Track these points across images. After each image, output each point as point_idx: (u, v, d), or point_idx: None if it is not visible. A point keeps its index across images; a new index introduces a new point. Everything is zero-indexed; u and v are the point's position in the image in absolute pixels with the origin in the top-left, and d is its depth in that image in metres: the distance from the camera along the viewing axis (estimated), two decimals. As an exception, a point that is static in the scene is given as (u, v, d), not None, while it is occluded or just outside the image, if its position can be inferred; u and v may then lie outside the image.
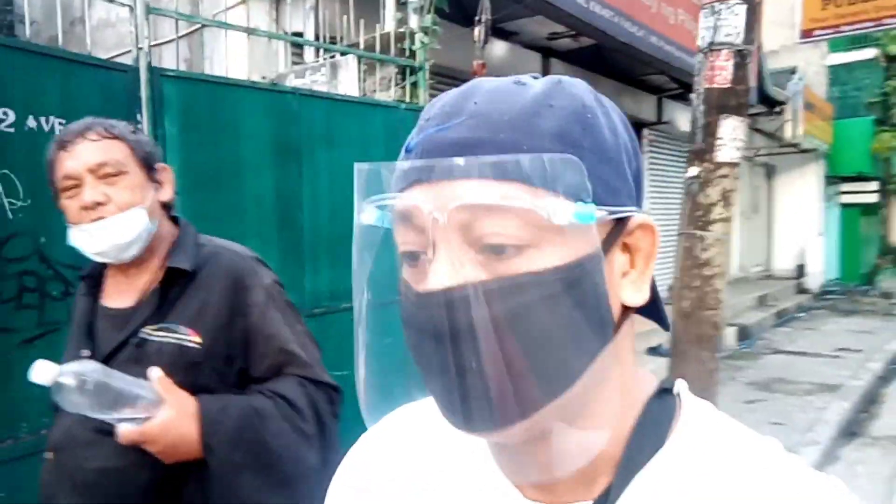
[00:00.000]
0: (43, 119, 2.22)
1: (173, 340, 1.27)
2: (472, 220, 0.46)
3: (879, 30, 9.68)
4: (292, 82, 4.01)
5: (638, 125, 8.81)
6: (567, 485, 0.54)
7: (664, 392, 0.56)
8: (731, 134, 3.21)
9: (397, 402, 0.61)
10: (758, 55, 8.17)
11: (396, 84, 3.73)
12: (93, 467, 1.22)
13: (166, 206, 1.38)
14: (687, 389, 0.57)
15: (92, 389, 1.10)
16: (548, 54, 6.99)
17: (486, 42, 4.12)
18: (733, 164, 3.25)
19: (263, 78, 4.19)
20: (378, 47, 3.73)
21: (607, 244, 0.50)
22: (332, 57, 3.86)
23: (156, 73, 2.54)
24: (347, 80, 3.90)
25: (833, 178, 14.14)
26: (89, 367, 1.12)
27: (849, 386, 6.48)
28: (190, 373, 1.24)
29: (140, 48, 2.51)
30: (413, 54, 3.75)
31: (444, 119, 0.49)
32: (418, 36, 3.67)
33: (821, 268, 13.54)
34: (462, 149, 0.47)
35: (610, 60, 7.25)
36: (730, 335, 8.32)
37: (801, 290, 12.92)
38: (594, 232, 0.48)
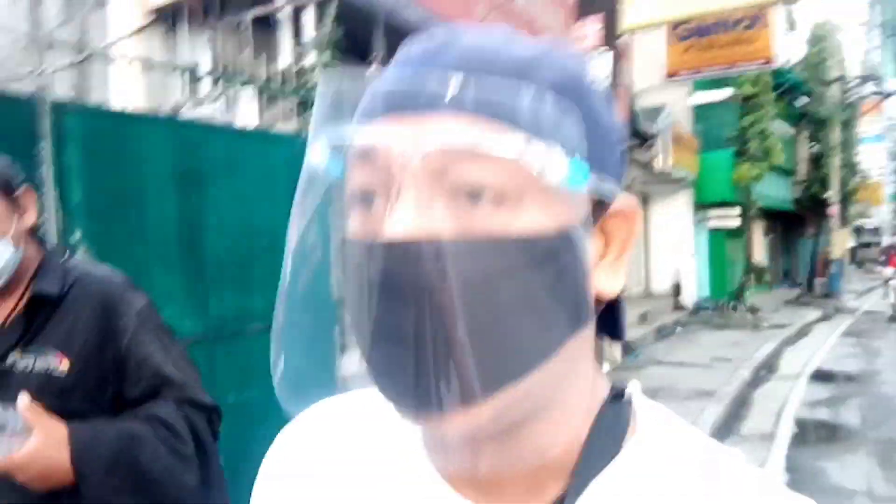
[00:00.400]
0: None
1: (40, 366, 1.24)
2: (452, 163, 0.40)
3: (732, 72, 10.82)
4: (190, 112, 4.08)
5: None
6: (514, 491, 0.48)
7: (618, 396, 0.52)
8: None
9: (317, 381, 0.50)
10: (628, 94, 8.92)
11: (298, 115, 3.89)
12: None
13: (31, 230, 1.34)
14: (640, 392, 0.53)
15: None
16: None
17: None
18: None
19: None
20: (280, 80, 3.89)
21: (590, 221, 0.45)
22: (230, 89, 3.97)
23: (56, 106, 2.58)
24: (247, 112, 4.02)
25: (701, 205, 15.38)
26: None
27: (722, 391, 7.12)
28: (60, 399, 1.21)
29: (38, 74, 2.56)
30: (312, 87, 3.94)
31: (435, 52, 0.44)
32: (318, 70, 3.86)
33: (694, 286, 14.65)
34: (451, 86, 0.40)
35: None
36: (615, 349, 8.88)
37: (678, 307, 13.91)
38: (584, 198, 0.43)
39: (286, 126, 3.91)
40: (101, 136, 2.74)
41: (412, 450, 0.51)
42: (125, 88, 4.36)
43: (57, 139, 2.56)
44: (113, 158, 2.78)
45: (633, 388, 0.52)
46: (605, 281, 0.47)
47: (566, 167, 0.41)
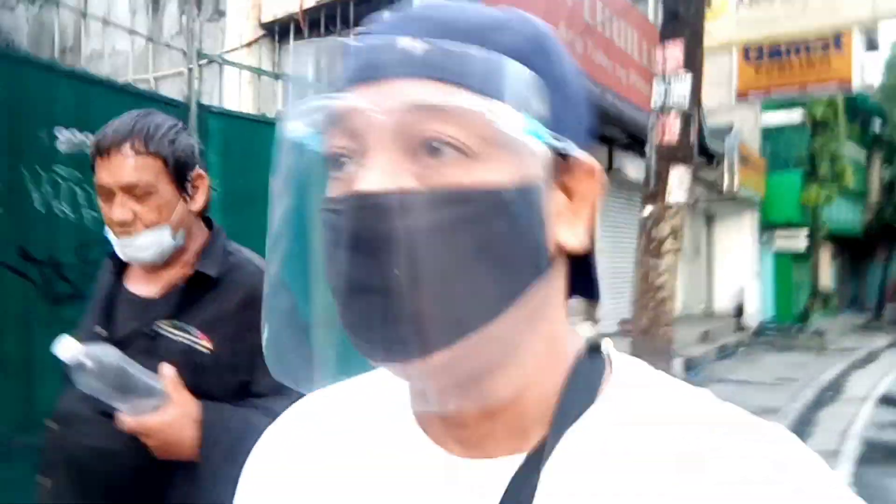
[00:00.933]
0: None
1: (185, 340, 1.29)
2: (414, 120, 0.43)
3: (804, 95, 10.78)
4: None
5: (592, 172, 9.52)
6: (494, 441, 0.51)
7: (594, 349, 0.54)
8: (679, 180, 3.83)
9: (298, 350, 0.52)
10: (698, 113, 9.03)
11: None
12: (87, 445, 1.25)
13: (199, 212, 1.39)
14: (612, 346, 0.56)
15: (107, 374, 1.11)
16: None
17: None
18: (681, 205, 3.86)
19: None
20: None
21: (548, 176, 0.47)
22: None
23: (203, 109, 2.99)
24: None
25: (767, 226, 15.22)
26: (109, 352, 1.14)
27: (787, 409, 7.15)
28: (195, 375, 1.25)
29: (194, 89, 2.96)
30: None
31: (401, 22, 0.47)
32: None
33: (757, 307, 14.47)
34: (411, 52, 0.43)
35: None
36: (677, 365, 8.95)
37: (740, 328, 13.78)
38: (540, 154, 0.46)
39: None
40: (235, 136, 3.13)
41: (401, 416, 0.54)
42: (236, 95, 4.83)
43: (202, 139, 2.96)
44: (245, 158, 3.17)
45: (608, 344, 0.55)
46: (566, 233, 0.48)
47: (521, 123, 0.43)
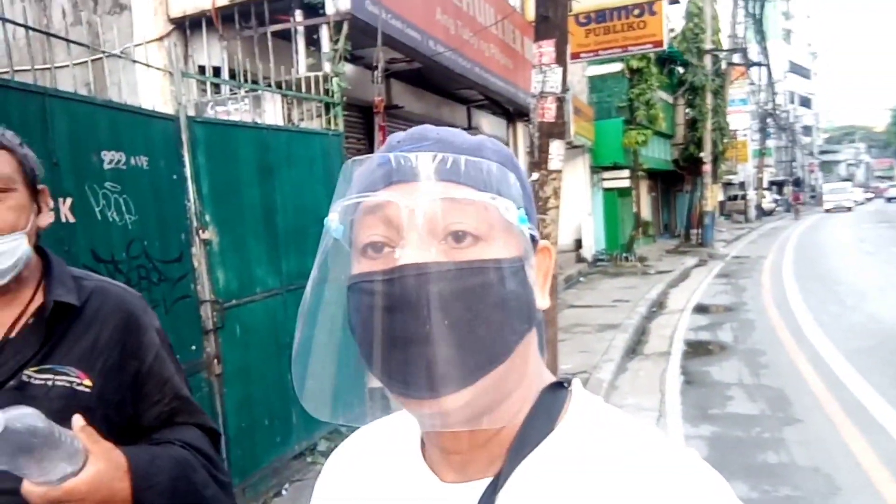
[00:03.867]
0: (133, 158, 3.15)
1: (62, 383, 1.12)
2: (440, 212, 0.56)
3: (625, 55, 12.42)
4: (213, 110, 4.96)
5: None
6: (478, 465, 0.62)
7: (557, 385, 0.65)
8: (557, 151, 4.88)
9: (332, 387, 0.63)
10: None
11: (319, 116, 4.89)
12: None
13: (38, 234, 1.20)
14: (580, 385, 0.67)
15: (29, 442, 0.90)
16: (387, 75, 8.35)
17: (380, 82, 5.40)
18: (559, 171, 4.93)
19: (181, 105, 5.08)
20: (303, 87, 4.85)
21: (529, 253, 0.60)
22: (253, 92, 4.89)
23: (191, 120, 3.53)
24: (272, 112, 4.96)
25: (596, 168, 17.15)
26: (29, 413, 0.91)
27: (626, 323, 8.77)
28: (79, 415, 1.05)
29: (180, 104, 3.48)
30: (327, 92, 4.93)
31: (415, 141, 0.61)
32: (335, 79, 4.86)
33: (592, 241, 16.47)
34: (434, 162, 0.57)
35: (431, 79, 8.78)
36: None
37: (580, 260, 15.71)
38: (527, 236, 0.60)
39: (311, 125, 4.90)
40: (216, 140, 3.70)
41: (412, 450, 0.68)
42: (147, 89, 5.16)
43: (192, 145, 3.51)
44: (224, 158, 3.75)
45: (574, 383, 0.67)
46: (539, 298, 0.62)
47: (516, 213, 0.58)
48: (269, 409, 3.93)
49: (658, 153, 20.52)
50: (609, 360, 6.94)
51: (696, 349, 7.83)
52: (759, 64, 28.56)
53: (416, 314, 0.53)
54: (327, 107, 4.89)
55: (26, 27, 2.94)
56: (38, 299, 1.17)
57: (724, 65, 23.76)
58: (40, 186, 1.20)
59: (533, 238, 0.62)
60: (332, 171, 4.47)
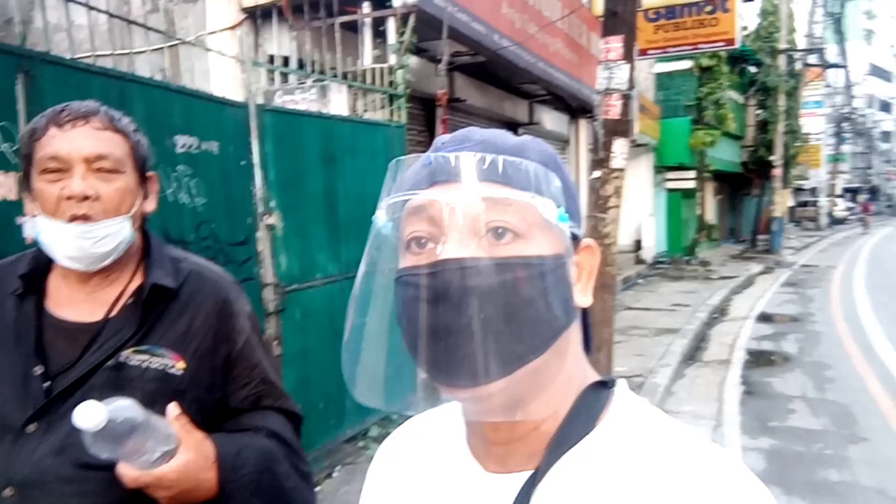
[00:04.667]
0: (205, 143, 3.25)
1: (156, 366, 1.14)
2: (481, 210, 0.58)
3: (695, 53, 12.08)
4: (281, 98, 5.06)
5: (514, 125, 10.44)
6: (518, 458, 0.63)
7: (601, 384, 0.66)
8: (621, 149, 4.80)
9: (381, 376, 0.65)
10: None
11: (382, 107, 4.94)
12: None
13: (144, 218, 1.23)
14: (625, 386, 0.68)
15: (129, 433, 0.94)
16: (451, 68, 8.36)
17: (444, 75, 5.42)
18: (622, 169, 4.85)
19: (251, 93, 5.20)
20: (368, 78, 4.91)
21: (569, 251, 0.62)
22: (320, 82, 4.97)
23: (260, 108, 3.61)
24: (337, 102, 5.04)
25: (660, 168, 16.79)
26: (128, 405, 0.95)
27: (685, 329, 8.56)
28: (174, 403, 1.09)
29: (250, 92, 3.57)
30: (391, 84, 4.98)
31: (459, 142, 0.63)
32: (400, 71, 4.90)
33: (653, 242, 16.14)
34: (476, 162, 0.59)
35: (494, 73, 8.74)
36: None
37: (639, 261, 15.42)
38: (567, 235, 0.61)
39: (375, 116, 4.95)
40: (284, 129, 3.78)
41: (458, 440, 0.70)
42: (218, 77, 5.30)
43: (261, 132, 3.60)
44: (291, 146, 3.83)
45: (619, 383, 0.67)
46: (580, 297, 0.64)
47: (556, 213, 0.59)
48: (325, 393, 4.01)
49: (726, 155, 19.90)
50: (666, 364, 6.79)
51: (759, 359, 7.58)
52: (836, 65, 27.37)
53: (455, 306, 0.56)
54: (391, 98, 4.93)
55: (108, 14, 3.06)
56: (138, 280, 1.20)
57: (798, 65, 22.87)
58: (149, 173, 1.23)
59: (576, 236, 0.64)
60: (394, 162, 4.50)
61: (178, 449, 1.03)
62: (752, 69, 21.66)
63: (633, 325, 8.87)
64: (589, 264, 0.67)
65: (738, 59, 19.75)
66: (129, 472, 1.00)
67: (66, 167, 1.10)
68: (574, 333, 0.64)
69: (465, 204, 0.58)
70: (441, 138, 0.66)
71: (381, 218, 0.63)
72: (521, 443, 0.63)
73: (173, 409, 1.07)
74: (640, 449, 0.60)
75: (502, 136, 0.65)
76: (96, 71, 2.72)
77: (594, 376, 0.67)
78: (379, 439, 4.26)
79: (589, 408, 0.63)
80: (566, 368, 0.63)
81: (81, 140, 1.10)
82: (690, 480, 0.56)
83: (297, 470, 1.24)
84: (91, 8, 2.94)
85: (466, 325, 0.55)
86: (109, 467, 1.00)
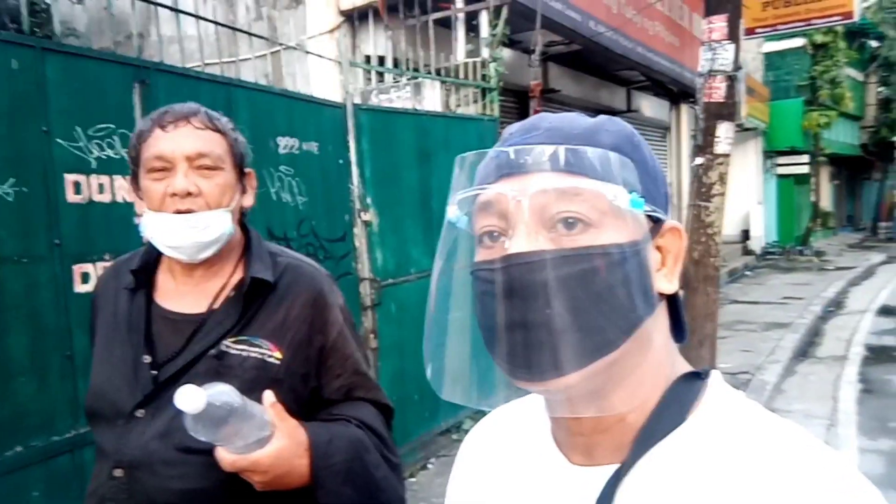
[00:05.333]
0: (305, 143, 3.38)
1: (255, 355, 1.19)
2: (549, 202, 0.56)
3: (808, 29, 11.31)
4: (377, 97, 5.16)
5: (612, 114, 10.14)
6: (603, 450, 0.62)
7: (693, 375, 0.63)
8: (725, 134, 4.58)
9: (461, 371, 0.65)
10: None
11: (475, 102, 4.95)
12: (177, 488, 1.12)
13: (242, 213, 1.29)
14: (720, 378, 0.64)
15: (226, 416, 0.98)
16: (544, 58, 8.26)
17: (537, 66, 5.36)
18: (726, 155, 4.63)
19: (348, 93, 5.34)
20: (461, 73, 4.94)
21: (648, 237, 0.59)
22: (415, 79, 5.03)
23: (356, 108, 3.71)
24: (431, 98, 5.09)
25: (770, 153, 15.89)
26: (227, 390, 0.99)
27: (797, 323, 8.09)
28: (270, 391, 1.13)
29: (347, 92, 3.68)
30: (484, 77, 4.98)
31: (526, 132, 0.62)
32: (493, 65, 4.89)
33: (762, 232, 15.33)
34: (544, 153, 0.58)
35: (589, 61, 8.55)
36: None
37: (747, 252, 14.68)
38: (643, 220, 0.59)
39: (468, 110, 4.98)
40: (379, 127, 3.87)
41: (542, 430, 0.69)
42: (318, 79, 5.47)
43: (357, 131, 3.70)
44: (385, 143, 3.91)
45: (713, 374, 0.64)
46: (664, 283, 0.62)
47: (628, 199, 0.57)
48: (419, 385, 4.08)
49: (843, 137, 18.58)
50: (775, 361, 6.44)
51: (879, 355, 7.05)
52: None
53: (523, 301, 0.55)
54: (484, 92, 4.93)
55: (215, 23, 3.24)
56: (239, 273, 1.25)
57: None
58: (247, 170, 1.28)
59: (658, 219, 0.61)
60: (487, 155, 4.50)
61: (273, 435, 1.06)
62: (874, 43, 20.07)
63: (739, 319, 8.47)
64: (675, 248, 0.63)
65: (856, 34, 18.36)
66: (226, 456, 1.04)
67: (169, 166, 1.16)
68: (659, 322, 0.61)
69: (532, 196, 0.57)
70: (510, 128, 0.65)
71: (452, 213, 0.63)
72: (607, 435, 0.61)
73: (269, 396, 1.11)
74: (735, 444, 0.56)
75: (573, 119, 0.63)
76: (205, 78, 2.88)
77: (685, 367, 0.64)
78: (474, 432, 4.28)
79: (679, 400, 0.61)
80: (650, 359, 0.60)
81: (183, 139, 1.17)
82: (791, 480, 0.52)
83: (387, 460, 1.26)
84: (200, 18, 3.11)
85: (537, 319, 0.54)
86: (209, 452, 1.05)
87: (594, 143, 0.59)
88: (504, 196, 0.58)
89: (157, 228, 1.18)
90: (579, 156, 0.57)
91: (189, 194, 1.16)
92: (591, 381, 0.56)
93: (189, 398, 0.92)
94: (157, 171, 1.17)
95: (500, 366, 0.58)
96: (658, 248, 0.62)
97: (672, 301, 0.64)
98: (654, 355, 0.61)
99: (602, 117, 0.64)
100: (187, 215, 1.16)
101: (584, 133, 0.61)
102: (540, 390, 0.58)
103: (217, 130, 1.21)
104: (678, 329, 0.66)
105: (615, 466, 0.60)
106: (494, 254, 0.58)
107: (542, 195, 0.56)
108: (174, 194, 1.15)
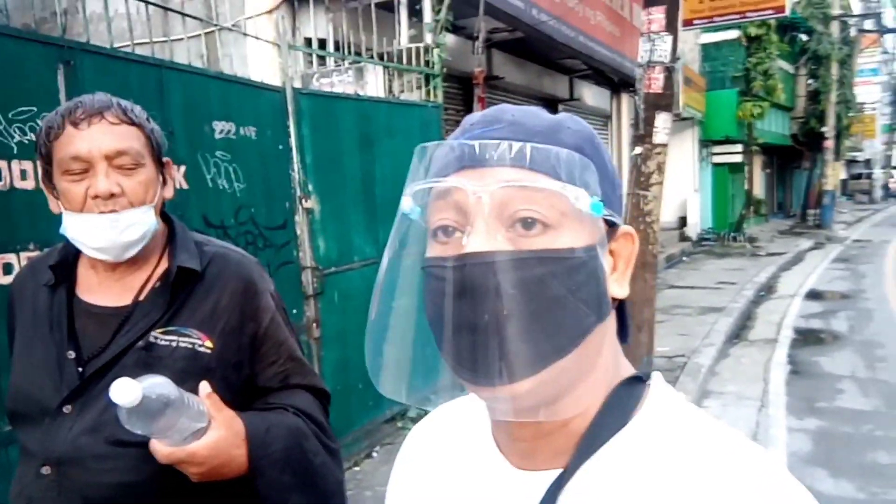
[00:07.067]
0: (242, 128, 3.28)
1: (185, 345, 1.17)
2: (509, 199, 0.55)
3: (743, 22, 11.66)
4: (318, 81, 5.06)
5: (554, 102, 10.28)
6: (544, 455, 0.61)
7: (635, 379, 0.63)
8: (663, 124, 4.68)
9: (404, 367, 0.63)
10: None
11: (418, 88, 4.91)
12: (109, 482, 1.10)
13: (163, 203, 1.26)
14: (661, 379, 0.64)
15: (162, 409, 0.96)
16: (488, 45, 8.25)
17: (481, 53, 5.35)
18: (664, 145, 4.73)
19: (288, 77, 5.21)
20: (404, 58, 4.89)
21: (604, 241, 0.58)
22: (357, 64, 4.95)
23: (297, 92, 3.63)
24: (374, 84, 5.02)
25: (706, 142, 16.35)
26: (163, 382, 0.98)
27: (730, 307, 8.38)
28: (202, 381, 1.11)
29: (287, 76, 3.59)
30: (427, 63, 4.94)
31: (487, 124, 0.60)
32: (436, 50, 4.85)
33: (698, 219, 15.80)
34: (505, 148, 0.55)
35: (532, 49, 8.59)
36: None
37: (684, 238, 15.12)
38: (601, 224, 0.58)
39: (411, 96, 4.93)
40: (319, 112, 3.79)
41: (483, 432, 0.68)
42: (256, 62, 5.32)
43: (297, 116, 3.62)
44: (327, 129, 3.84)
45: (655, 377, 0.64)
46: (615, 288, 0.61)
47: (589, 202, 0.56)
48: (363, 374, 3.97)
49: (775, 127, 19.27)
50: (710, 344, 6.67)
51: (807, 338, 7.38)
52: (894, 30, 26.07)
53: (478, 302, 0.53)
54: (427, 78, 4.90)
55: (147, 2, 3.10)
56: (164, 264, 1.23)
57: (853, 31, 21.89)
58: (165, 159, 1.25)
59: (613, 223, 0.60)
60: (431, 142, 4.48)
61: (209, 426, 1.06)
62: (804, 37, 20.82)
63: (676, 303, 8.73)
64: (626, 253, 0.62)
65: (788, 27, 19.00)
66: (161, 449, 1.03)
67: (88, 166, 1.12)
68: (608, 327, 0.60)
69: (492, 192, 0.54)
70: (470, 118, 0.63)
71: (406, 204, 0.60)
72: (548, 440, 0.61)
73: (205, 386, 1.10)
74: (674, 448, 0.57)
75: (535, 114, 0.61)
76: (135, 59, 2.76)
77: (628, 370, 0.64)
78: (417, 420, 4.27)
79: (621, 404, 0.60)
80: (599, 364, 0.60)
81: (100, 137, 1.12)
82: (727, 482, 0.53)
83: (325, 447, 1.25)
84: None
85: (490, 323, 0.53)
86: (142, 444, 1.04)
87: (556, 142, 0.58)
88: (462, 190, 0.56)
89: (79, 230, 1.14)
90: (544, 154, 0.56)
91: (112, 195, 1.12)
92: (542, 388, 0.55)
93: (124, 391, 0.91)
94: (75, 172, 1.12)
95: (450, 366, 0.57)
96: (611, 252, 0.61)
97: (619, 304, 0.64)
98: (603, 360, 0.60)
99: (563, 115, 0.63)
100: (111, 215, 1.12)
101: (546, 130, 0.59)
102: (487, 396, 0.57)
103: (133, 124, 1.17)
104: (623, 331, 0.65)
105: (557, 471, 0.59)
106: (449, 250, 0.56)
107: (503, 192, 0.55)
108: (96, 196, 1.12)
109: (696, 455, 0.56)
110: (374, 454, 4.12)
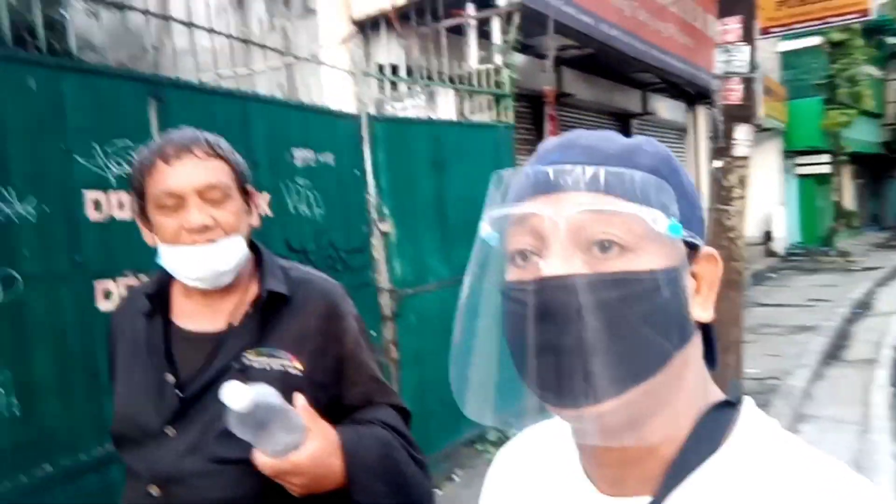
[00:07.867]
0: (321, 155, 3.37)
1: (277, 366, 1.21)
2: (585, 223, 0.55)
3: (824, 27, 11.16)
4: (392, 106, 5.15)
5: (626, 116, 10.12)
6: (633, 482, 0.60)
7: (726, 404, 0.61)
8: (744, 136, 4.51)
9: (488, 390, 0.63)
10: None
11: (489, 108, 4.93)
12: (213, 498, 1.15)
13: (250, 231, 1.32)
14: (753, 405, 0.62)
15: (268, 416, 1.01)
16: (558, 63, 8.22)
17: (551, 71, 5.33)
18: (745, 157, 4.56)
19: (362, 104, 5.33)
20: (474, 80, 4.93)
21: (684, 263, 0.58)
22: (429, 87, 5.02)
23: (371, 118, 3.70)
24: (445, 106, 5.07)
25: (789, 153, 15.70)
26: (270, 392, 1.03)
27: (824, 326, 7.94)
28: (301, 394, 1.16)
29: (362, 103, 3.67)
30: (497, 84, 4.96)
31: (562, 150, 0.60)
32: (506, 71, 4.87)
33: (784, 233, 15.13)
34: (580, 173, 0.56)
35: (603, 64, 8.49)
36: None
37: (770, 254, 14.49)
38: (680, 246, 0.57)
39: (482, 117, 4.95)
40: (393, 137, 3.86)
41: (572, 463, 0.66)
42: (332, 89, 5.48)
43: (372, 142, 3.69)
44: (401, 153, 3.90)
45: (746, 401, 0.62)
46: (699, 311, 0.60)
47: (666, 224, 0.55)
48: (442, 396, 4.01)
49: (864, 135, 18.31)
50: (803, 365, 6.31)
51: (911, 357, 6.89)
52: None
53: (558, 325, 0.53)
54: (497, 99, 4.91)
55: (229, 37, 3.25)
56: (254, 290, 1.28)
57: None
58: (249, 189, 1.30)
59: (694, 245, 0.59)
60: (502, 162, 4.48)
61: (306, 438, 1.09)
62: (892, 40, 19.77)
63: (764, 322, 8.33)
64: (710, 275, 0.61)
65: (874, 30, 18.09)
66: (265, 460, 1.07)
67: (180, 201, 1.18)
68: (693, 350, 0.59)
69: (569, 217, 0.55)
70: (545, 145, 0.64)
71: (485, 230, 0.61)
72: (636, 466, 0.60)
73: (300, 398, 1.13)
74: (768, 476, 0.55)
75: (610, 139, 0.61)
76: (220, 92, 2.89)
77: (718, 395, 0.62)
78: (497, 443, 4.25)
79: (711, 430, 0.59)
80: (685, 388, 0.59)
81: (190, 172, 1.18)
82: None
83: (413, 458, 1.28)
84: (213, 31, 3.12)
85: (570, 345, 0.53)
86: (243, 461, 1.08)
87: (632, 164, 0.57)
88: (538, 216, 0.56)
89: (176, 261, 1.21)
90: (619, 178, 0.56)
91: (205, 227, 1.18)
92: (626, 410, 0.55)
93: (236, 395, 0.96)
94: (168, 207, 1.18)
95: (532, 390, 0.57)
96: (693, 275, 0.60)
97: (706, 329, 0.63)
98: (689, 384, 0.59)
99: (639, 137, 0.63)
100: (205, 246, 1.18)
101: (620, 153, 0.59)
102: (571, 417, 0.56)
103: (219, 157, 1.23)
104: (710, 356, 0.64)
105: (646, 499, 0.58)
106: (527, 274, 0.56)
107: (579, 216, 0.55)
108: (192, 230, 1.18)
109: (793, 484, 0.54)
110: (456, 477, 4.09)
